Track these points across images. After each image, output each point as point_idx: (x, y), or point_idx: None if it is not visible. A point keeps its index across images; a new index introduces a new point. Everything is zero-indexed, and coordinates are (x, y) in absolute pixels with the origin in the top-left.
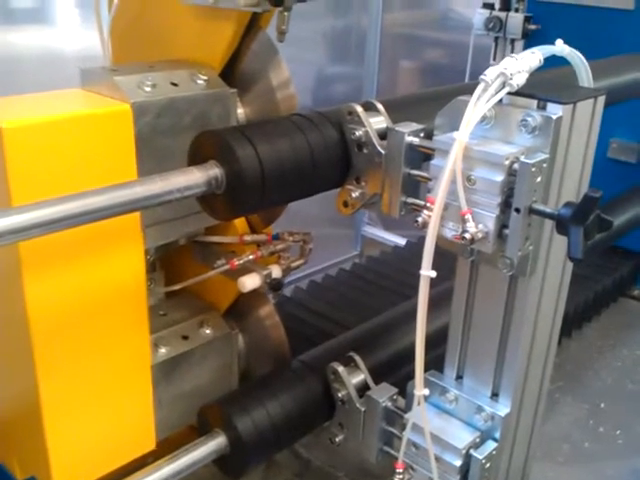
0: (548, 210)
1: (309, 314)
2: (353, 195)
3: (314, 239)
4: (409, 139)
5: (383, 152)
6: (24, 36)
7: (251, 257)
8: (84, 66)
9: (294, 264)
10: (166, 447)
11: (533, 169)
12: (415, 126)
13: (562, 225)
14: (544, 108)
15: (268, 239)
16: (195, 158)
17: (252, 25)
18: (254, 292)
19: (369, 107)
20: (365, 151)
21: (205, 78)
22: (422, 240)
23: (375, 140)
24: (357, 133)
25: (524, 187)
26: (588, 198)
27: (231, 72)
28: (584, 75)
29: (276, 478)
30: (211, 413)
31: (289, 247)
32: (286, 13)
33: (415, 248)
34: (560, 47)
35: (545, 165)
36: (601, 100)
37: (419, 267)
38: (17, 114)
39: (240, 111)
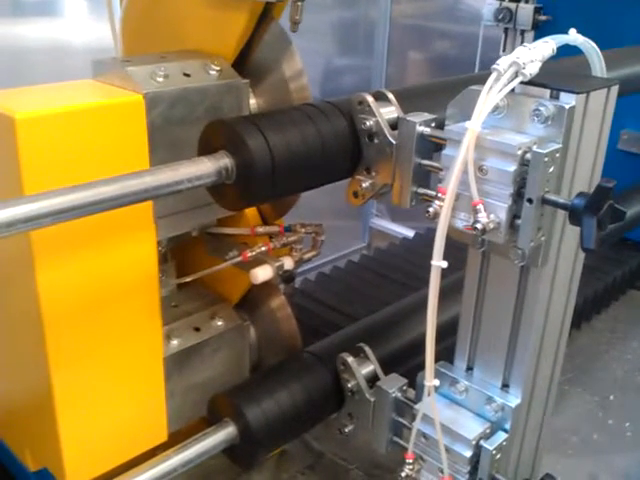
0: (561, 200)
1: (317, 306)
2: (363, 185)
3: (325, 230)
4: (420, 129)
5: (394, 142)
6: (33, 28)
7: (263, 249)
8: (93, 57)
9: (306, 256)
10: (177, 441)
11: (546, 159)
12: (426, 116)
13: (575, 216)
14: (557, 98)
15: (280, 231)
16: (205, 148)
17: (265, 15)
18: (266, 284)
19: (380, 97)
20: (376, 141)
21: (218, 68)
22: (431, 232)
23: (386, 130)
24: (368, 123)
25: (537, 177)
26: (601, 188)
27: (244, 62)
28: (597, 65)
29: (288, 470)
30: (221, 403)
31: (301, 239)
32: (300, 3)
33: (423, 240)
34: (574, 36)
35: (558, 155)
36: (614, 90)
37: (428, 259)
38: (30, 105)
39: (252, 102)
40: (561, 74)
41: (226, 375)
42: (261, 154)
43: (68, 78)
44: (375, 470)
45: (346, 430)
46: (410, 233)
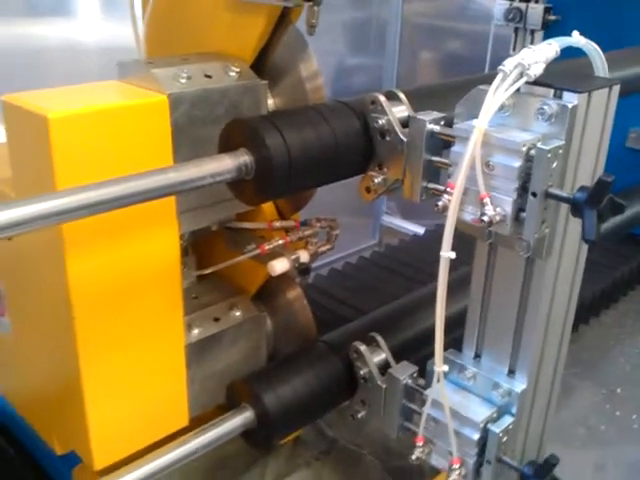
0: (564, 194)
1: (329, 300)
2: (375, 181)
3: (339, 226)
4: (430, 127)
5: (405, 140)
6: (47, 28)
7: (280, 242)
8: (107, 56)
9: (321, 249)
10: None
11: (549, 155)
12: (436, 114)
13: (577, 208)
14: (560, 97)
15: (296, 225)
16: (226, 145)
17: (283, 18)
18: (282, 276)
19: (391, 96)
20: (387, 139)
21: (237, 70)
22: (440, 228)
23: (397, 128)
24: (380, 121)
25: (540, 172)
26: (601, 182)
27: (262, 64)
28: (600, 65)
29: (302, 455)
30: (239, 389)
31: (316, 233)
32: (316, 7)
33: (433, 236)
34: (576, 38)
35: (561, 151)
36: (616, 89)
37: (438, 254)
38: (62, 105)
39: (270, 102)
40: (565, 75)
41: (244, 363)
42: (278, 151)
43: (83, 76)
44: (387, 456)
45: (359, 416)
46: (420, 230)
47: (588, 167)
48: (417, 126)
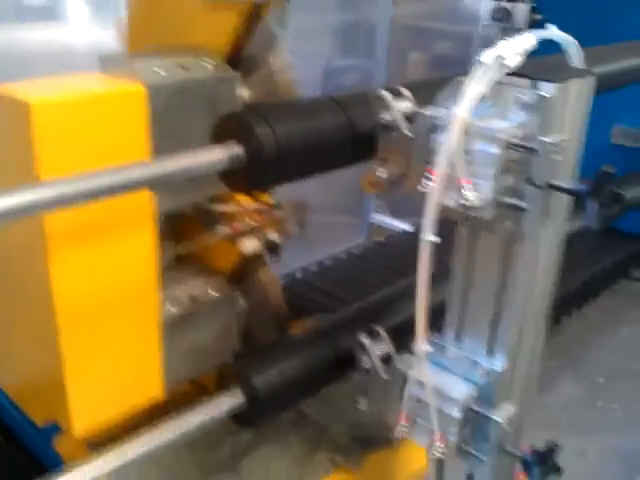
0: (567, 186)
1: (315, 293)
2: (379, 175)
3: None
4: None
5: (409, 134)
6: (36, 33)
7: (252, 223)
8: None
9: (291, 230)
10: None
11: (553, 147)
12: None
13: (579, 199)
14: (537, 87)
15: (268, 207)
16: (218, 138)
17: (254, 14)
18: (254, 257)
19: (394, 92)
20: (392, 133)
21: (213, 63)
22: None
23: (401, 123)
24: (384, 116)
25: (543, 164)
26: (603, 173)
27: (236, 57)
28: (575, 56)
29: (272, 427)
30: (229, 371)
31: (287, 215)
32: (286, 3)
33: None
34: (551, 31)
35: (564, 144)
36: (590, 79)
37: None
38: (43, 92)
39: (244, 94)
40: (542, 66)
41: (217, 341)
42: (269, 142)
43: None
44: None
45: (361, 407)
46: (410, 228)
47: (568, 157)
48: (423, 122)
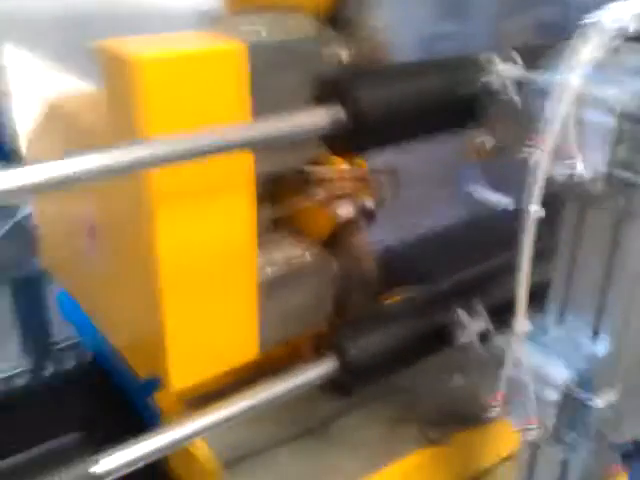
0: None
1: (409, 264)
2: (484, 142)
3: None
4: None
5: (517, 100)
6: None
7: (347, 188)
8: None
9: (386, 197)
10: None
11: None
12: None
13: None
14: None
15: (363, 172)
16: (319, 99)
17: None
18: (348, 222)
19: (503, 56)
20: (499, 100)
21: (312, 23)
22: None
23: (510, 88)
24: (491, 81)
25: None
26: None
27: (334, 18)
28: None
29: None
30: (325, 337)
31: (382, 182)
32: None
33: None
34: None
35: None
36: None
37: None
38: (148, 49)
39: (342, 54)
40: None
41: (311, 304)
42: (373, 105)
43: None
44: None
45: (456, 383)
46: (510, 203)
47: None
48: (533, 88)
